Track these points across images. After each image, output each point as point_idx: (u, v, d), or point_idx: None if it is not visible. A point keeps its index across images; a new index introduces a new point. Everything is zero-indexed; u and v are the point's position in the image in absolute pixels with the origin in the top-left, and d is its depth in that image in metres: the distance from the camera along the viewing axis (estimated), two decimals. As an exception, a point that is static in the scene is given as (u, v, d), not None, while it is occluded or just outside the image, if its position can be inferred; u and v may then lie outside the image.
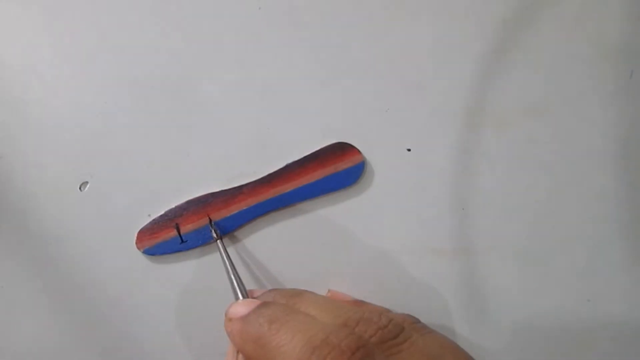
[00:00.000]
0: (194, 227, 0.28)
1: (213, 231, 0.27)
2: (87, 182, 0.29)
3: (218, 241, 0.27)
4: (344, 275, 0.29)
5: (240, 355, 0.24)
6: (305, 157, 0.29)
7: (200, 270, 0.29)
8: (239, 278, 0.25)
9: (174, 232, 0.28)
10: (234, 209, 0.28)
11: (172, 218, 0.28)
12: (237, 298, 0.25)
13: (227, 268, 0.26)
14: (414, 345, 0.22)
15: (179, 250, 0.28)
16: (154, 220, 0.28)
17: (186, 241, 0.28)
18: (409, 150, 0.29)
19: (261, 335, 0.21)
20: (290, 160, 0.29)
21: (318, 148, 0.29)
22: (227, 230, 0.28)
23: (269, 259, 0.29)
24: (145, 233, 0.28)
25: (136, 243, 0.28)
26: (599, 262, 0.29)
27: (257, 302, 0.24)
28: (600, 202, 0.29)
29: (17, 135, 0.29)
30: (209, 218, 0.28)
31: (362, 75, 0.29)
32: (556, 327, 0.29)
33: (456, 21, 0.30)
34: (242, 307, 0.23)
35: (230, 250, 0.28)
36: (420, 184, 0.29)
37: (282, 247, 0.29)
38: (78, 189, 0.29)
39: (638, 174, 0.29)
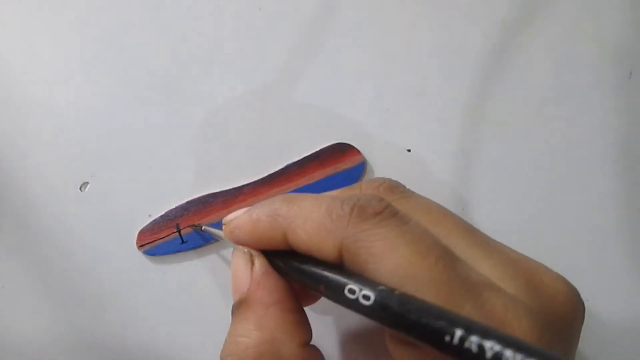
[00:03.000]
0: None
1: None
2: (87, 183, 0.29)
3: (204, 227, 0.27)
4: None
5: (257, 260, 0.21)
6: (305, 157, 0.29)
7: (201, 271, 0.29)
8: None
9: (175, 233, 0.28)
10: (235, 210, 0.28)
11: (172, 218, 0.28)
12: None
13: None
14: (412, 197, 0.22)
15: (180, 251, 0.28)
16: (154, 220, 0.28)
17: (187, 241, 0.28)
18: (409, 150, 0.29)
19: (274, 209, 0.20)
20: (290, 161, 0.29)
21: (318, 148, 0.29)
22: (228, 230, 0.28)
23: (269, 259, 0.29)
24: (145, 233, 0.28)
25: (136, 243, 0.28)
26: (599, 263, 0.29)
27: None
28: (600, 202, 0.29)
29: (17, 136, 0.29)
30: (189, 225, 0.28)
31: (363, 75, 0.29)
32: (555, 326, 0.29)
33: (456, 21, 0.30)
34: (241, 210, 0.22)
35: (230, 251, 0.28)
36: (420, 184, 0.29)
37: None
38: (78, 189, 0.29)
39: (638, 174, 0.29)
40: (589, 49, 0.30)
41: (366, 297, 0.17)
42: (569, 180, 0.29)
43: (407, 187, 0.29)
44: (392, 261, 0.17)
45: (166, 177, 0.29)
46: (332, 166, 0.28)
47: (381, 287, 0.17)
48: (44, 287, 0.28)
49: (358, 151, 0.29)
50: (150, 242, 0.28)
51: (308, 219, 0.19)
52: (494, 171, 0.29)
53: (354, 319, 0.28)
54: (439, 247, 0.18)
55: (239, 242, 0.21)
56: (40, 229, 0.28)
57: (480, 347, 0.14)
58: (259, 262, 0.21)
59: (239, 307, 0.21)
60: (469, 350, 0.14)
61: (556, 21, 0.30)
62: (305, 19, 0.30)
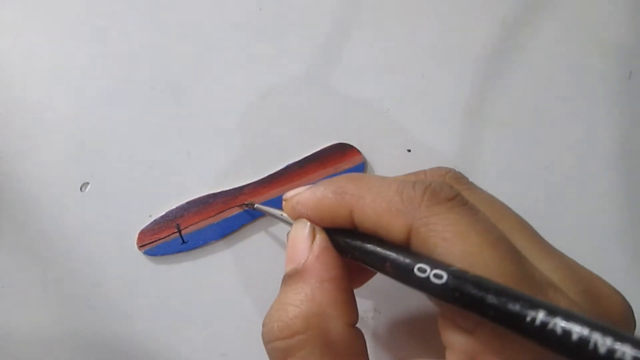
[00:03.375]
0: (195, 227, 0.28)
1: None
2: (88, 183, 0.29)
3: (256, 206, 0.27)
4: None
5: (319, 235, 0.21)
6: (305, 157, 0.29)
7: (202, 271, 0.29)
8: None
9: (175, 233, 0.28)
10: (235, 210, 0.28)
11: (173, 218, 0.28)
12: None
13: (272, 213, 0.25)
14: (477, 190, 0.22)
15: (180, 251, 0.28)
16: (155, 220, 0.28)
17: (187, 242, 0.28)
18: (409, 150, 0.29)
19: (341, 186, 0.20)
20: (290, 161, 0.29)
21: (319, 149, 0.29)
22: (228, 231, 0.28)
23: (270, 260, 0.29)
24: (146, 233, 0.28)
25: (137, 243, 0.28)
26: (599, 262, 0.29)
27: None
28: (600, 202, 0.29)
29: (17, 136, 0.29)
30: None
31: (363, 75, 0.29)
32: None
33: (456, 21, 0.30)
34: (303, 187, 0.22)
35: (231, 251, 0.29)
36: (420, 185, 0.29)
37: (283, 248, 0.29)
38: (79, 189, 0.29)
39: (638, 174, 0.29)
40: (589, 49, 0.30)
41: (438, 276, 0.17)
42: (569, 180, 0.29)
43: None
44: (462, 248, 0.17)
45: (166, 178, 0.29)
46: (333, 166, 0.29)
47: (454, 268, 0.17)
48: (44, 287, 0.28)
49: (358, 151, 0.29)
50: (151, 243, 0.28)
51: (377, 198, 0.19)
52: (494, 171, 0.29)
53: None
54: (507, 241, 0.18)
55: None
56: (40, 229, 0.28)
57: (565, 330, 0.14)
58: (321, 237, 0.21)
59: (293, 276, 0.20)
60: (552, 332, 0.14)
61: (556, 21, 0.30)
62: (305, 20, 0.30)
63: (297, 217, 0.22)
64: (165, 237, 0.28)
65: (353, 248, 0.20)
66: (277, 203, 0.28)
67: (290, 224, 0.22)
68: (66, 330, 0.28)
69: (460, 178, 0.23)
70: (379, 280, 0.29)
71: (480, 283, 0.16)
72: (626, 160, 0.29)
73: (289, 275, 0.21)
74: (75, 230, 0.28)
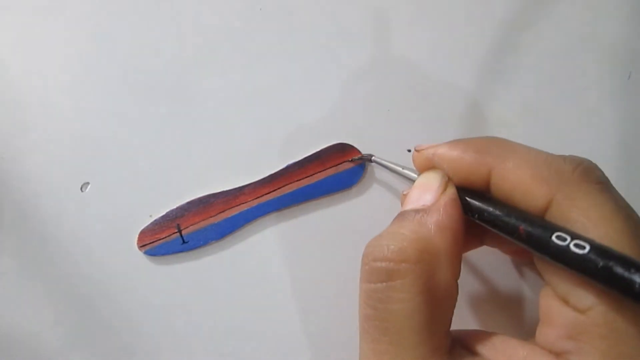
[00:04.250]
0: (196, 227, 0.28)
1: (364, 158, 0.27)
2: (88, 183, 0.29)
3: (374, 158, 0.27)
4: (345, 276, 0.29)
5: (451, 188, 0.21)
6: (306, 157, 0.29)
7: (202, 271, 0.29)
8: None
9: (176, 233, 0.28)
10: (236, 210, 0.28)
11: (173, 219, 0.28)
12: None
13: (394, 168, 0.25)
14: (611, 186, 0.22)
15: (181, 251, 0.28)
16: (155, 220, 0.28)
17: (187, 242, 0.28)
18: (409, 151, 0.29)
19: (485, 146, 0.20)
20: (291, 161, 0.29)
21: (319, 149, 0.29)
22: (229, 231, 0.28)
23: (270, 259, 0.29)
24: (146, 234, 0.28)
25: (137, 244, 0.28)
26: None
27: None
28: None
29: (17, 136, 0.29)
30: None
31: (363, 75, 0.29)
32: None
33: (456, 22, 0.30)
34: (433, 143, 0.22)
35: (231, 251, 0.29)
36: (420, 185, 0.29)
37: (283, 247, 0.29)
38: (79, 189, 0.29)
39: (637, 175, 0.29)
40: (588, 50, 0.30)
41: (580, 247, 0.16)
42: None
43: (406, 188, 0.29)
44: (604, 230, 0.17)
45: (167, 177, 0.29)
46: (333, 166, 0.29)
47: (598, 243, 0.16)
48: (44, 286, 0.28)
49: (358, 151, 0.29)
50: (151, 243, 0.28)
51: (523, 163, 0.19)
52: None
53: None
54: None
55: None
56: (40, 229, 0.28)
57: None
58: (452, 190, 0.21)
59: (414, 212, 0.20)
60: None
61: (556, 22, 0.30)
62: (305, 19, 0.30)
63: (428, 168, 0.21)
64: (165, 237, 0.28)
65: (483, 210, 0.20)
66: (277, 203, 0.28)
67: (412, 180, 0.22)
68: (65, 329, 0.28)
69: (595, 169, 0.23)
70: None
71: (628, 261, 0.16)
72: (626, 161, 0.29)
73: (408, 211, 0.21)
74: (75, 230, 0.28)
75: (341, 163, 0.29)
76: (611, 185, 0.19)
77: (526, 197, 0.19)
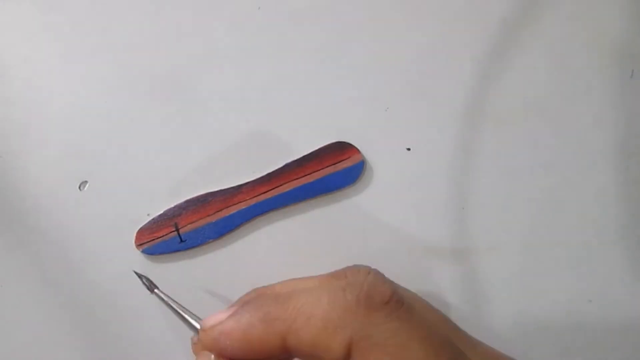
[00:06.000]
0: (193, 226, 0.28)
1: (146, 285, 0.24)
2: (86, 182, 0.29)
3: (156, 291, 0.24)
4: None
5: None
6: (304, 156, 0.29)
7: (200, 270, 0.28)
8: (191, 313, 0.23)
9: (173, 232, 0.28)
10: (233, 209, 0.28)
11: (171, 217, 0.28)
12: (196, 328, 0.22)
13: (175, 310, 0.23)
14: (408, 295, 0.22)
15: (178, 250, 0.28)
16: (153, 219, 0.28)
17: (185, 240, 0.28)
18: (408, 149, 0.29)
19: (267, 312, 0.18)
20: (289, 160, 0.29)
21: (317, 147, 0.29)
22: (226, 230, 0.28)
23: (268, 258, 0.29)
24: (144, 232, 0.28)
25: (135, 242, 0.28)
26: (600, 263, 0.29)
27: (236, 305, 0.20)
28: (601, 202, 0.29)
29: (16, 135, 0.29)
30: (135, 272, 0.25)
31: (362, 74, 0.29)
32: (557, 327, 0.29)
33: (456, 20, 0.30)
34: (222, 313, 0.20)
35: (228, 250, 0.28)
36: (419, 184, 0.29)
37: (281, 246, 0.29)
38: (77, 188, 0.29)
39: (638, 174, 0.29)
40: (590, 49, 0.30)
41: None
42: (569, 179, 0.29)
43: (405, 187, 0.29)
44: None
45: (165, 176, 0.29)
46: (332, 165, 0.28)
47: None
48: (43, 286, 0.28)
49: (357, 150, 0.29)
50: (149, 241, 0.28)
51: (311, 317, 0.18)
52: (493, 170, 0.29)
53: None
54: (448, 344, 0.18)
55: (227, 353, 0.19)
56: (39, 228, 0.28)
57: None
58: None
59: None
60: None
61: (557, 20, 0.30)
62: (304, 19, 0.30)
63: (220, 351, 0.19)
64: (163, 236, 0.28)
65: None
66: (275, 202, 0.28)
67: (195, 328, 0.21)
68: (64, 328, 0.28)
69: (382, 276, 0.22)
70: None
71: None
72: (627, 159, 0.29)
73: None
74: (73, 228, 0.28)
75: (339, 162, 0.28)
76: (398, 296, 0.18)
77: (327, 352, 0.17)
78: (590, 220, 0.29)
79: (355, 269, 0.22)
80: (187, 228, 0.28)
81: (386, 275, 0.28)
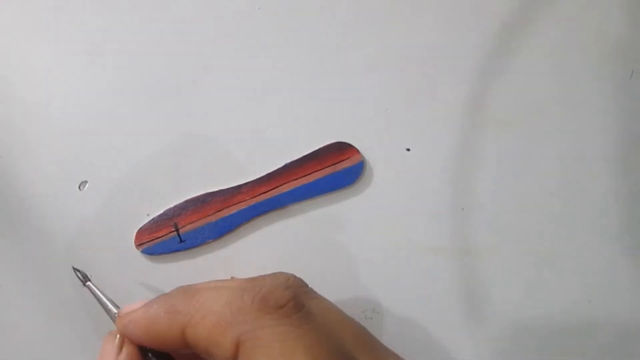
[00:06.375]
0: (193, 226, 0.28)
1: (79, 276, 0.25)
2: (86, 182, 0.29)
3: (88, 284, 0.25)
4: (342, 276, 0.29)
5: (126, 348, 0.20)
6: (304, 156, 0.29)
7: (199, 270, 0.28)
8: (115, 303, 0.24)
9: (173, 232, 0.28)
10: (233, 209, 0.28)
11: (170, 217, 0.28)
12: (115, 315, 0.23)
13: (103, 303, 0.24)
14: (318, 296, 0.22)
15: (178, 250, 0.28)
16: (152, 219, 0.28)
17: (185, 240, 0.28)
18: (408, 150, 0.29)
19: (173, 305, 0.19)
20: (289, 160, 0.29)
21: (317, 147, 0.29)
22: (226, 230, 0.28)
23: (267, 258, 0.29)
24: (144, 232, 0.28)
25: (135, 242, 0.28)
26: (600, 263, 0.29)
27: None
28: (601, 203, 0.29)
29: (16, 135, 0.29)
30: (73, 267, 0.26)
31: (362, 74, 0.29)
32: (557, 328, 0.29)
33: (456, 21, 0.30)
34: (139, 303, 0.21)
35: (228, 250, 0.28)
36: (419, 184, 0.29)
37: (281, 247, 0.29)
38: (77, 188, 0.29)
39: (638, 174, 0.29)
40: (590, 49, 0.30)
41: None
42: (569, 180, 0.29)
43: (405, 187, 0.29)
44: None
45: (164, 176, 0.29)
46: (331, 165, 0.28)
47: None
48: (43, 286, 0.28)
49: (357, 150, 0.29)
50: (149, 241, 0.28)
51: (208, 313, 0.18)
52: (493, 171, 0.29)
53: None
54: (341, 355, 0.18)
55: (133, 340, 0.20)
56: (38, 228, 0.28)
57: None
58: (127, 349, 0.20)
59: None
60: None
61: (557, 21, 0.30)
62: (304, 19, 0.30)
63: (129, 337, 0.20)
64: (162, 236, 0.28)
65: None
66: (275, 202, 0.28)
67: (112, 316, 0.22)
68: (64, 328, 0.28)
69: (300, 285, 0.22)
70: (378, 280, 0.29)
71: None
72: (627, 160, 0.29)
73: None
74: (73, 228, 0.28)
75: (339, 162, 0.28)
76: (297, 303, 0.18)
77: (218, 348, 0.18)
78: (590, 221, 0.29)
79: (277, 274, 0.22)
80: (186, 228, 0.28)
81: (385, 275, 0.28)
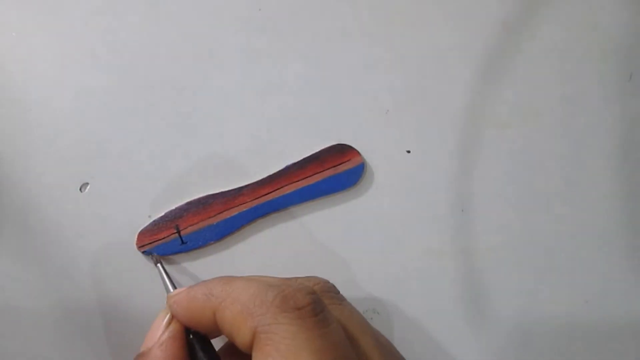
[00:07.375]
0: (194, 228, 0.28)
1: (153, 259, 0.28)
2: (87, 184, 0.29)
3: (158, 265, 0.27)
4: (344, 277, 0.29)
5: (173, 325, 0.22)
6: (305, 158, 0.29)
7: (200, 272, 0.29)
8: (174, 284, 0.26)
9: (175, 234, 0.28)
10: (234, 211, 0.28)
11: (172, 219, 0.28)
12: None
13: (165, 284, 0.26)
14: (343, 303, 0.23)
15: (179, 252, 0.28)
16: (154, 221, 0.28)
17: (186, 242, 0.28)
18: (408, 151, 0.29)
19: (210, 289, 0.21)
20: (290, 162, 0.29)
21: (318, 149, 0.29)
22: (227, 231, 0.28)
23: (269, 260, 0.29)
24: (145, 234, 0.28)
25: (136, 244, 0.28)
26: (597, 263, 0.29)
27: None
28: (600, 203, 0.29)
29: (17, 136, 0.29)
30: (147, 251, 0.28)
31: (362, 76, 0.29)
32: (554, 328, 0.29)
33: (456, 23, 0.30)
34: (187, 287, 0.23)
35: (229, 252, 0.29)
36: (420, 186, 0.29)
37: (282, 248, 0.29)
38: (78, 190, 0.29)
39: (637, 175, 0.29)
40: (589, 51, 0.30)
41: None
42: (569, 180, 0.29)
43: (405, 189, 0.29)
44: None
45: (166, 178, 0.29)
46: (332, 167, 0.28)
47: None
48: (44, 287, 0.28)
49: (358, 152, 0.29)
50: (150, 243, 0.28)
51: (236, 301, 0.20)
52: (493, 172, 0.29)
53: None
54: None
55: (177, 317, 0.22)
56: (39, 230, 0.28)
57: None
58: (173, 327, 0.22)
59: (139, 357, 0.22)
60: None
61: (557, 23, 0.30)
62: (305, 20, 0.30)
63: (174, 315, 0.22)
64: (164, 238, 0.28)
65: (197, 352, 0.22)
66: (276, 204, 0.28)
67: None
68: (64, 329, 0.28)
69: (328, 290, 0.23)
70: (378, 281, 0.29)
71: None
72: (626, 161, 0.29)
73: (137, 355, 0.22)
74: (74, 230, 0.28)
75: (340, 164, 0.28)
76: (316, 307, 0.19)
77: (238, 334, 0.19)
78: (589, 222, 0.29)
79: (310, 277, 0.24)
80: (188, 230, 0.28)
81: (386, 276, 0.28)
